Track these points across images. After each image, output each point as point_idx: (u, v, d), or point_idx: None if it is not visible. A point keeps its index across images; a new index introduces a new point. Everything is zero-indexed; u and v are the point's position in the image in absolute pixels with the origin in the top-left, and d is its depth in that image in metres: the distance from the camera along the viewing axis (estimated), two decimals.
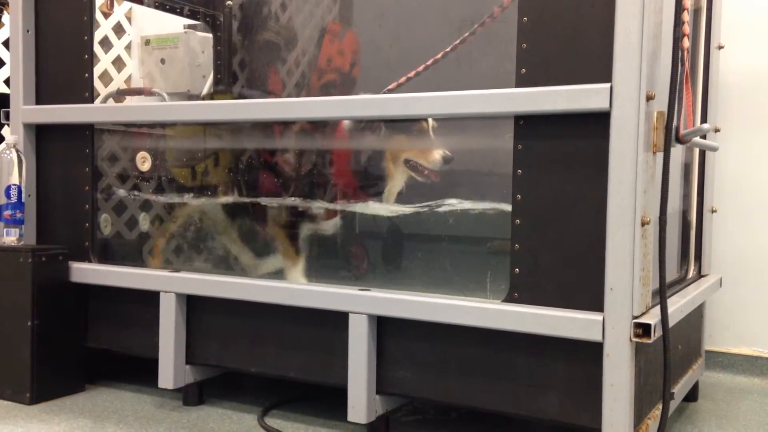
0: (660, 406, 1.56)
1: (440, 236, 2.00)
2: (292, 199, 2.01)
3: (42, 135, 2.10)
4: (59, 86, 2.07)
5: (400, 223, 2.07)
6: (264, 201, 2.10)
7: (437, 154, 1.88)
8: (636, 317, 1.39)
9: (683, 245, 2.10)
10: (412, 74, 1.96)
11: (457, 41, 1.93)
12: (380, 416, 1.68)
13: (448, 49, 1.94)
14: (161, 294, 1.88)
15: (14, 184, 1.97)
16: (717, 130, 2.19)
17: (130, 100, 2.76)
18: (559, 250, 1.47)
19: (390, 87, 1.97)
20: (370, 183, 1.96)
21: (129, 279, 1.94)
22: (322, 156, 2.04)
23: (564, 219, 1.46)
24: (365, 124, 1.94)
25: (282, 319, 1.78)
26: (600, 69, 1.41)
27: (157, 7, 2.61)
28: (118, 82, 2.98)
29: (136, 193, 2.30)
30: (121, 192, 2.32)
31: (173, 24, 2.73)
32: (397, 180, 1.95)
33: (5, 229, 1.97)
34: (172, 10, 2.63)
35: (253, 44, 2.58)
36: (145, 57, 2.72)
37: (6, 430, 1.71)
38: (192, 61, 2.65)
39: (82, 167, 2.03)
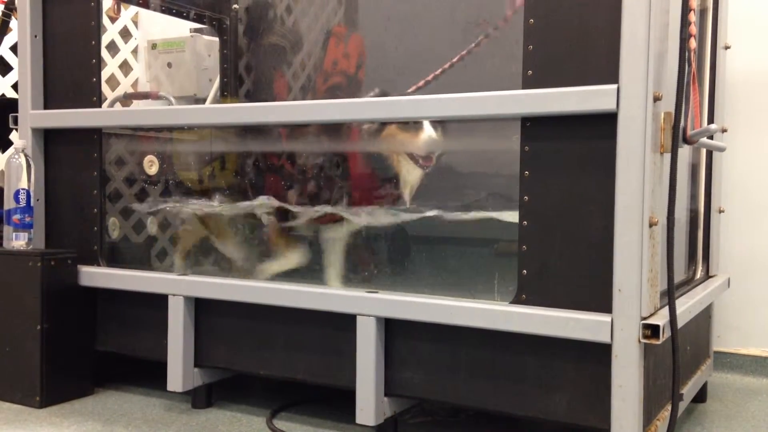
0: (669, 408, 1.56)
1: (447, 238, 2.00)
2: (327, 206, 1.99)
3: (50, 139, 2.11)
4: (67, 91, 2.08)
5: (406, 226, 2.07)
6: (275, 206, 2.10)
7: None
8: (644, 318, 1.39)
9: (691, 246, 2.09)
10: (430, 77, 1.96)
11: (473, 45, 1.94)
12: (389, 418, 1.68)
13: (464, 53, 1.95)
14: (170, 297, 1.88)
15: (23, 189, 1.98)
16: (724, 131, 2.18)
17: (137, 104, 2.77)
18: (566, 251, 1.47)
19: (410, 90, 1.96)
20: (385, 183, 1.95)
21: (137, 282, 1.94)
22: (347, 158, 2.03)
23: (571, 220, 1.46)
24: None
25: (290, 322, 1.78)
26: (607, 70, 1.41)
27: (163, 11, 2.62)
28: (125, 86, 3.00)
29: (197, 202, 2.21)
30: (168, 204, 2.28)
31: (179, 28, 2.74)
32: (409, 176, 1.92)
33: (14, 234, 1.98)
34: (178, 14, 2.64)
35: (259, 48, 2.59)
36: (152, 61, 2.74)
37: None
38: (198, 64, 2.66)
39: (90, 171, 2.04)
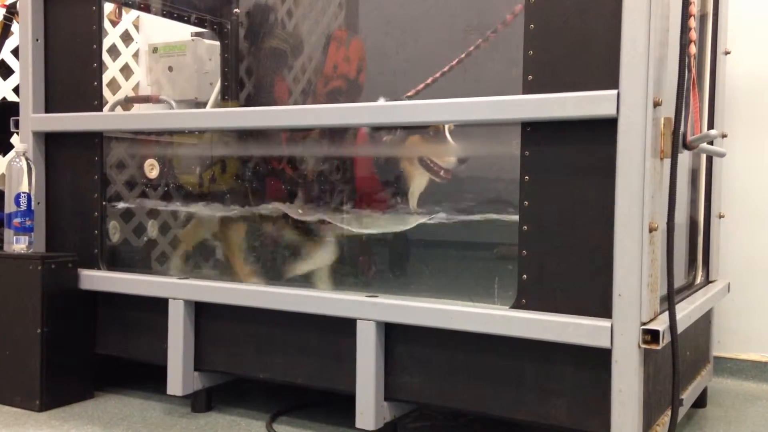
0: (669, 413, 1.56)
1: (448, 242, 2.00)
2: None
3: (51, 143, 2.11)
4: (68, 94, 2.08)
5: (407, 230, 2.07)
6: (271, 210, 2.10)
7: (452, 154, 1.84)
8: (644, 323, 1.39)
9: (691, 251, 2.09)
10: (429, 80, 1.97)
11: (472, 47, 1.94)
12: (388, 423, 1.68)
13: (463, 55, 1.95)
14: (170, 301, 1.89)
15: (24, 192, 1.98)
16: (724, 136, 2.18)
17: (137, 108, 2.78)
18: (566, 256, 1.47)
19: (409, 93, 1.97)
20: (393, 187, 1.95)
21: (137, 286, 1.94)
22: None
23: (571, 225, 1.46)
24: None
25: (290, 326, 1.78)
26: (607, 75, 1.42)
27: (164, 15, 2.63)
28: (126, 89, 3.00)
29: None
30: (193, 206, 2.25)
31: (181, 32, 2.75)
32: (417, 182, 1.92)
33: (15, 237, 1.98)
34: (179, 18, 2.65)
35: (260, 51, 2.59)
36: (153, 65, 2.74)
37: None
38: (199, 68, 2.66)
39: (91, 175, 2.04)
